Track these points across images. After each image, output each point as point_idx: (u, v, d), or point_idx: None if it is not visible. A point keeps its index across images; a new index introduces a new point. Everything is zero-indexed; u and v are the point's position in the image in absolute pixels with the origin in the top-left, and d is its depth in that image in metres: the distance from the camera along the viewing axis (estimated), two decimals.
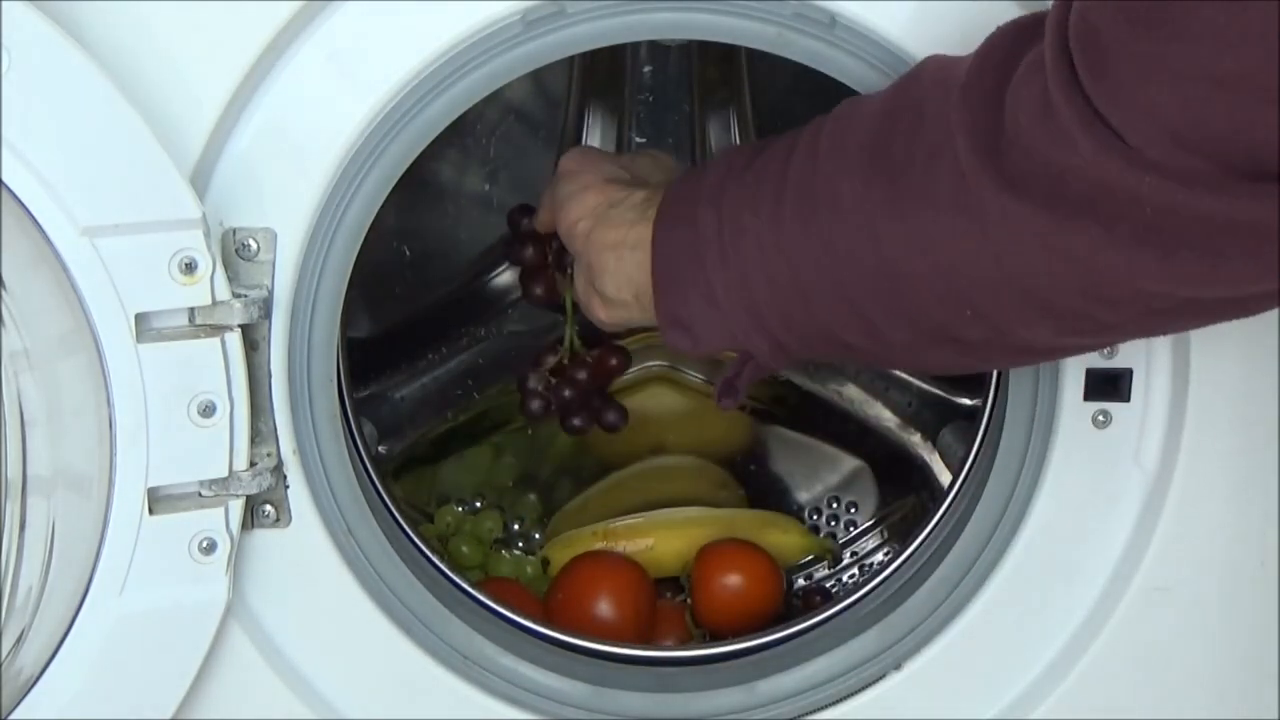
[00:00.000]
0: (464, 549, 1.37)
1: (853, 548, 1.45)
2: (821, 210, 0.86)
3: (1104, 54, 0.72)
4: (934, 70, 0.85)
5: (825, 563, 1.42)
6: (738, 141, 1.49)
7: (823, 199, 0.86)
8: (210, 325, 0.93)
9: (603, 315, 1.04)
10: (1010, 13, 0.94)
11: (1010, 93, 0.77)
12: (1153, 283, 0.76)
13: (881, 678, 1.08)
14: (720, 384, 1.02)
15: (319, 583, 1.02)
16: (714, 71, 1.45)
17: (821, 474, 1.49)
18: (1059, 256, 0.77)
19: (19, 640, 0.94)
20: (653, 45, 1.43)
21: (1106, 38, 0.71)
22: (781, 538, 1.38)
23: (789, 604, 1.33)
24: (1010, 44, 0.80)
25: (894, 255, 0.83)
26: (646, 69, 1.44)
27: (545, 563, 1.36)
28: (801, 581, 1.42)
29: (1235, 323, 0.81)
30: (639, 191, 1.03)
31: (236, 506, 0.97)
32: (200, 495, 0.96)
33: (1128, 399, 1.02)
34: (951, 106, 0.80)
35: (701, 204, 0.93)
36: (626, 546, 1.34)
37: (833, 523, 1.47)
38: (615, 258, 1.00)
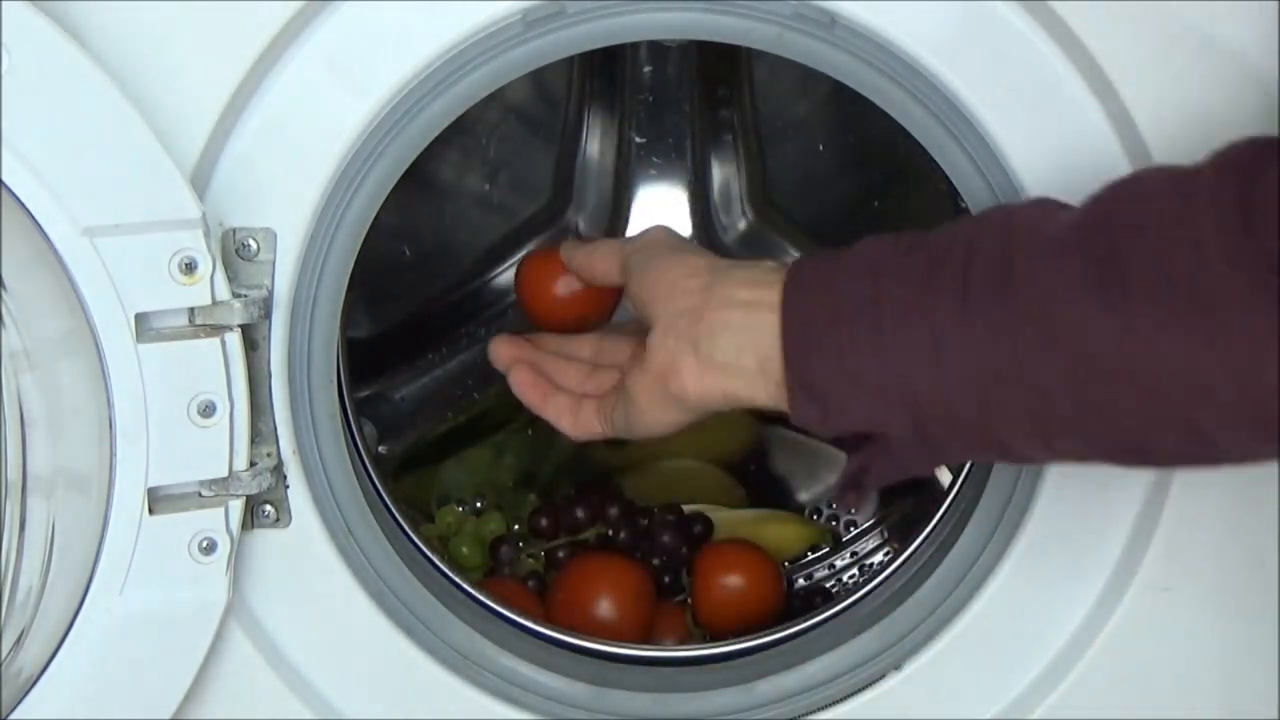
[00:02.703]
0: (464, 549, 1.37)
1: (853, 548, 1.45)
2: (1020, 320, 0.82)
3: None
4: (1153, 183, 0.82)
5: (827, 547, 1.42)
6: (738, 142, 1.49)
7: (1022, 309, 0.81)
8: (210, 325, 0.93)
9: (694, 387, 0.93)
10: (1008, 14, 0.94)
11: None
12: None
13: (881, 678, 1.07)
14: (843, 479, 0.94)
15: (319, 583, 1.02)
16: (714, 71, 1.45)
17: (821, 474, 1.48)
18: None
19: (19, 640, 0.94)
20: (653, 45, 1.43)
21: None
22: (781, 530, 1.38)
23: (789, 604, 1.33)
24: (1257, 155, 0.78)
25: (1111, 369, 0.80)
26: (646, 69, 1.44)
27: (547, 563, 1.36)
28: (801, 582, 1.42)
29: None
30: (761, 261, 0.95)
31: (236, 506, 0.97)
32: (200, 495, 0.96)
33: None
34: (1196, 216, 0.77)
35: (849, 278, 0.88)
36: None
37: (833, 523, 1.47)
38: (744, 315, 0.91)
